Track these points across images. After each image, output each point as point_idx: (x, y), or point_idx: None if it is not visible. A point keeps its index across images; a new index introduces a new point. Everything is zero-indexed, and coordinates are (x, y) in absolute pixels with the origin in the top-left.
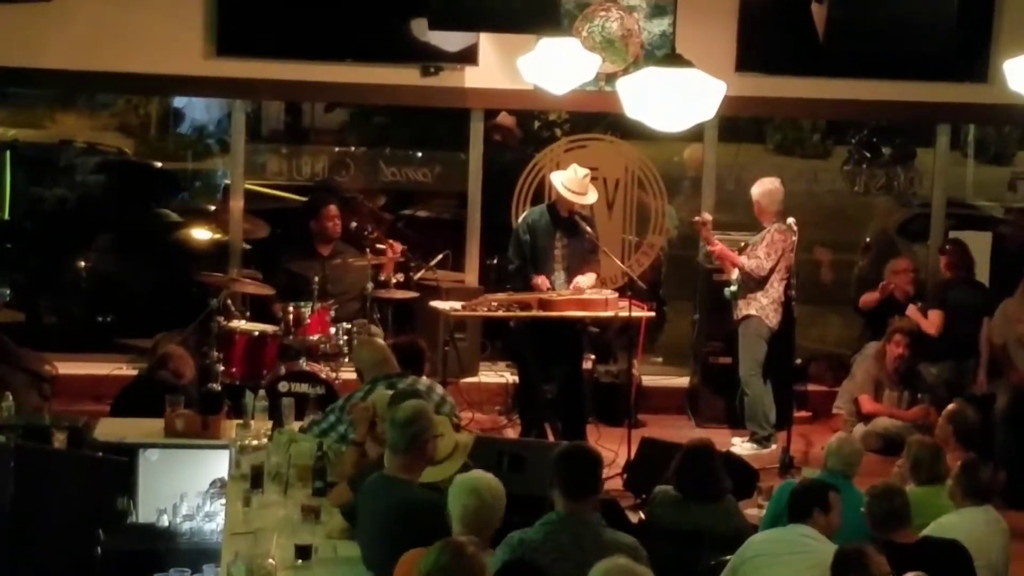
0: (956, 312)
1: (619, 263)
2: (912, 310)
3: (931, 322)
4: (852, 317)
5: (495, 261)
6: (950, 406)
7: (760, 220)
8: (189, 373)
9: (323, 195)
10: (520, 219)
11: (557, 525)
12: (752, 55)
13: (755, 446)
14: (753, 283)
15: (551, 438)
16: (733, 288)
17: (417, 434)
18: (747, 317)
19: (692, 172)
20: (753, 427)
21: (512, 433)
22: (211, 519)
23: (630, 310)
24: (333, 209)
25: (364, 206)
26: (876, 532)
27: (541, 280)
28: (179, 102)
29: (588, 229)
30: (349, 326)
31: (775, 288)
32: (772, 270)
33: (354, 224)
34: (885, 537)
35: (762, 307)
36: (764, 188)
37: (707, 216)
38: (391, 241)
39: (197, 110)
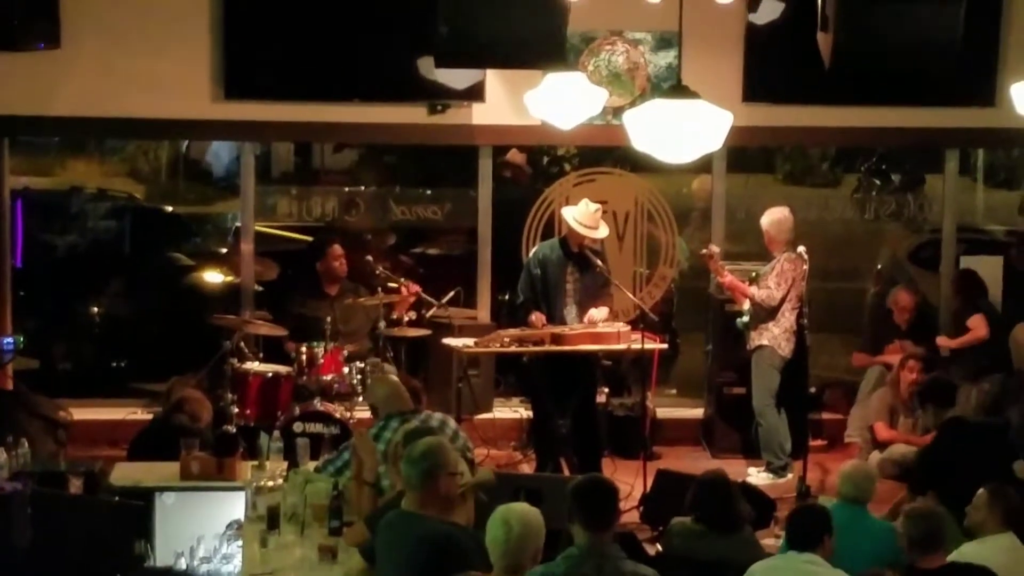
0: (995, 319)
1: (631, 296)
2: (944, 340)
3: (976, 326)
4: (861, 345)
5: (507, 297)
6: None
7: (770, 249)
8: (206, 416)
9: (327, 236)
10: (531, 254)
11: (578, 559)
12: (759, 85)
13: (771, 476)
14: (764, 313)
15: (567, 472)
16: (745, 319)
17: (430, 470)
18: (760, 347)
19: (701, 203)
20: (769, 457)
21: (528, 468)
22: (228, 561)
23: (643, 342)
24: (338, 249)
25: (374, 245)
26: (911, 555)
27: (535, 317)
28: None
29: (599, 263)
30: (362, 365)
31: (787, 317)
32: (783, 299)
33: (369, 258)
34: (915, 562)
35: (774, 337)
36: (773, 218)
37: (715, 248)
38: (406, 281)
39: (207, 153)
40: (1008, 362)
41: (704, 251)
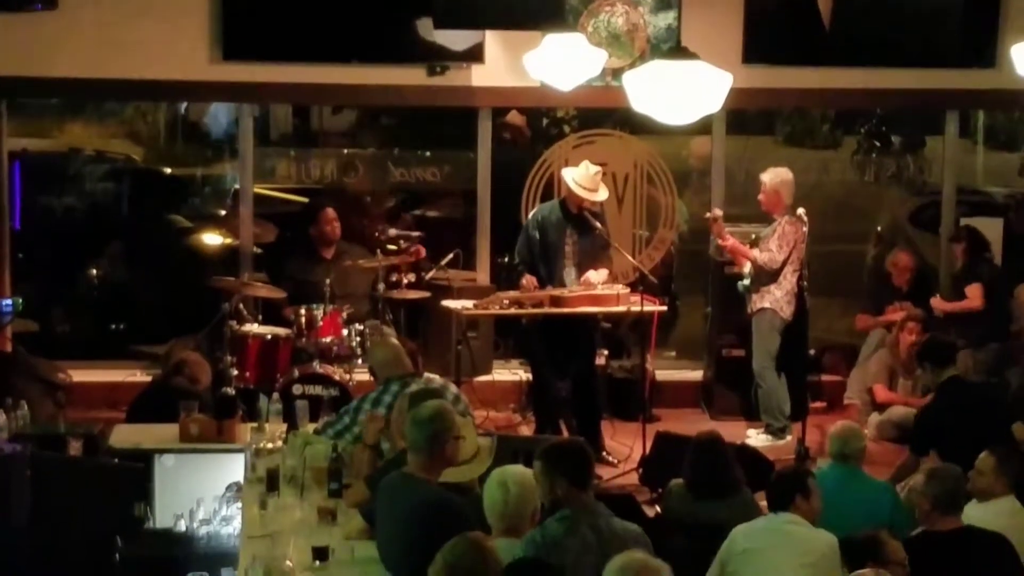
0: (996, 287)
1: (630, 258)
2: (938, 301)
3: (972, 296)
4: (864, 307)
5: (506, 259)
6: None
7: (770, 212)
8: (205, 379)
9: (320, 199)
10: (530, 216)
11: (574, 519)
12: (758, 46)
13: (770, 438)
14: (766, 276)
15: (566, 435)
16: (745, 282)
17: (437, 433)
18: (761, 310)
19: (698, 165)
20: (768, 419)
21: (527, 431)
22: (228, 523)
23: (642, 305)
24: (330, 213)
25: (372, 208)
26: (932, 514)
27: (526, 280)
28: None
29: (598, 225)
30: (361, 327)
31: (788, 280)
32: (785, 262)
33: (366, 223)
34: (933, 523)
35: (776, 299)
36: (782, 178)
37: (718, 212)
38: (416, 245)
39: (205, 115)
40: (1004, 332)
41: (708, 215)
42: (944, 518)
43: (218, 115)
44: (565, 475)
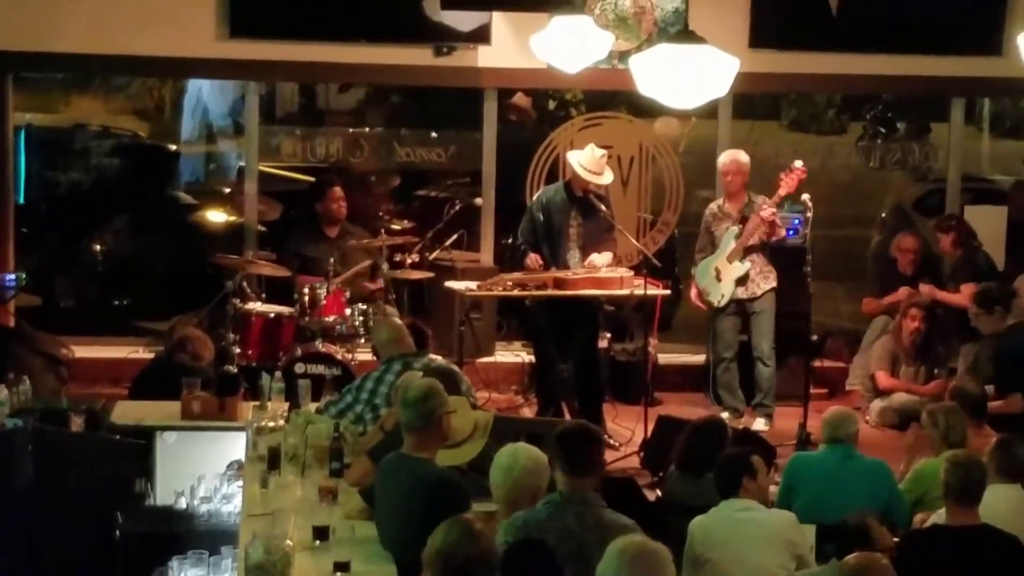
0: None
1: (634, 241)
2: (928, 288)
3: (965, 295)
4: (867, 293)
5: (510, 240)
6: (952, 383)
7: (738, 192)
8: (208, 355)
9: (328, 177)
10: (535, 197)
11: (560, 505)
12: (766, 31)
13: (767, 420)
14: (760, 258)
15: (568, 417)
16: (747, 266)
17: (431, 411)
18: (769, 291)
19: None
20: (768, 401)
21: (529, 412)
22: (228, 501)
23: (645, 288)
24: (338, 191)
25: (378, 187)
26: (946, 504)
27: (532, 259)
28: (194, 89)
29: (603, 208)
30: (365, 307)
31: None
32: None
33: (370, 203)
34: (950, 515)
35: (772, 281)
36: (746, 159)
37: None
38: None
39: (211, 92)
40: None
41: (764, 213)
42: (961, 510)
43: (224, 92)
44: (562, 459)
